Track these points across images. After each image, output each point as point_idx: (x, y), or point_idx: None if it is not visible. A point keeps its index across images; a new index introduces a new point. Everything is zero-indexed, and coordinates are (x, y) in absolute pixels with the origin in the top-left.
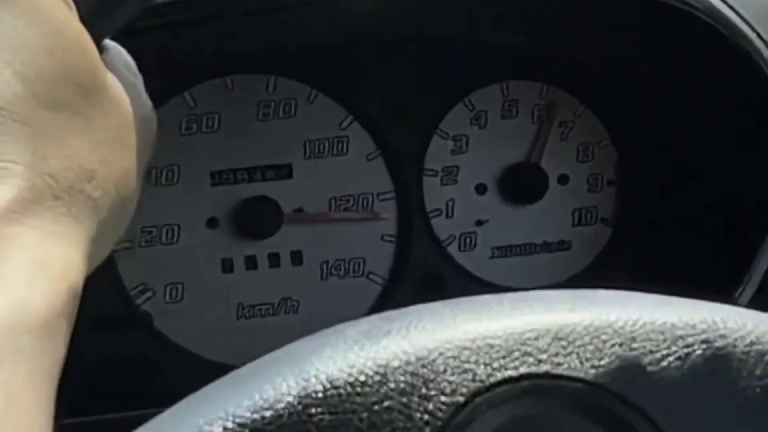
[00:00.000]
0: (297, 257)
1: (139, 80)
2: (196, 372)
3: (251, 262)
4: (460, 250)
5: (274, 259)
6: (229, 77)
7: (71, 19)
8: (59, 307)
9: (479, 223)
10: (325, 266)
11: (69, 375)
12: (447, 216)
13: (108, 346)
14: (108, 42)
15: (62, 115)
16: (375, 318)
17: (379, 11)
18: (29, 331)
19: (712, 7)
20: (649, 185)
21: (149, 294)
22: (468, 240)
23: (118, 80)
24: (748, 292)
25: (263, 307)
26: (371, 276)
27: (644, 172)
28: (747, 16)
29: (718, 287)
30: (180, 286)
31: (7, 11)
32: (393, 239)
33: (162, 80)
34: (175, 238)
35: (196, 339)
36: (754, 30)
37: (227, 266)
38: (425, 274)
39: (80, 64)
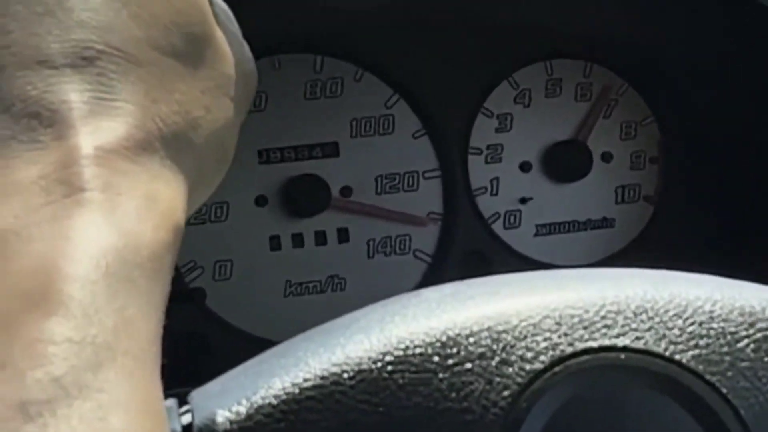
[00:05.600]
0: (344, 235)
1: (240, 34)
2: (245, 349)
3: (298, 240)
4: (504, 227)
5: (321, 237)
6: (277, 56)
7: None
8: (167, 243)
9: (523, 200)
10: (371, 244)
11: None
12: (492, 194)
13: None
14: None
15: (173, 60)
16: (459, 283)
17: None
18: (141, 264)
19: None
20: (691, 163)
21: (199, 271)
22: (512, 218)
23: (224, 32)
24: None
25: (310, 284)
26: (417, 253)
27: (687, 149)
28: None
29: (760, 267)
30: (229, 264)
31: None
32: (439, 217)
33: None
34: (223, 216)
35: (245, 316)
36: None
37: (275, 244)
38: (470, 251)
39: (193, 12)
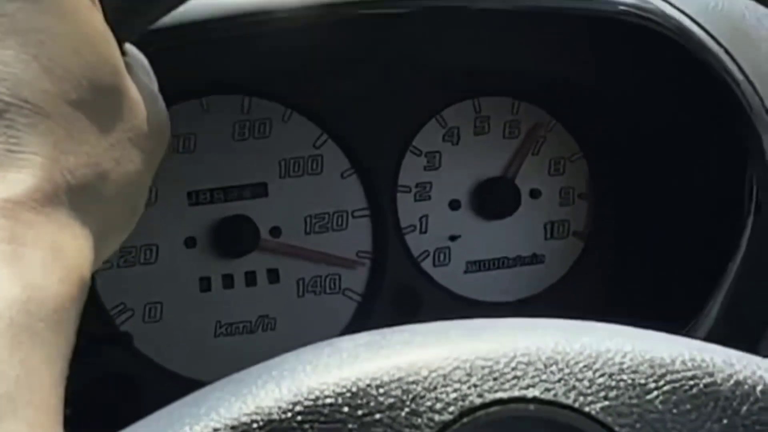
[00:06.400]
0: (273, 275)
1: (155, 86)
2: (176, 390)
3: (228, 281)
4: (434, 265)
5: (251, 277)
6: (205, 98)
7: (97, 18)
8: (72, 295)
9: (453, 238)
10: (301, 283)
11: None
12: (421, 231)
13: (87, 367)
14: (128, 46)
15: (84, 113)
16: (373, 333)
17: (351, 33)
18: (46, 316)
19: (679, 24)
20: (620, 198)
21: (129, 314)
22: (442, 255)
23: (136, 84)
24: (713, 312)
25: (241, 324)
26: (347, 292)
27: (615, 185)
28: (714, 32)
29: (687, 302)
30: (159, 306)
31: (34, 5)
32: (368, 255)
33: None
34: (153, 258)
35: (176, 357)
36: (721, 46)
37: (205, 285)
38: (400, 289)
39: (104, 65)
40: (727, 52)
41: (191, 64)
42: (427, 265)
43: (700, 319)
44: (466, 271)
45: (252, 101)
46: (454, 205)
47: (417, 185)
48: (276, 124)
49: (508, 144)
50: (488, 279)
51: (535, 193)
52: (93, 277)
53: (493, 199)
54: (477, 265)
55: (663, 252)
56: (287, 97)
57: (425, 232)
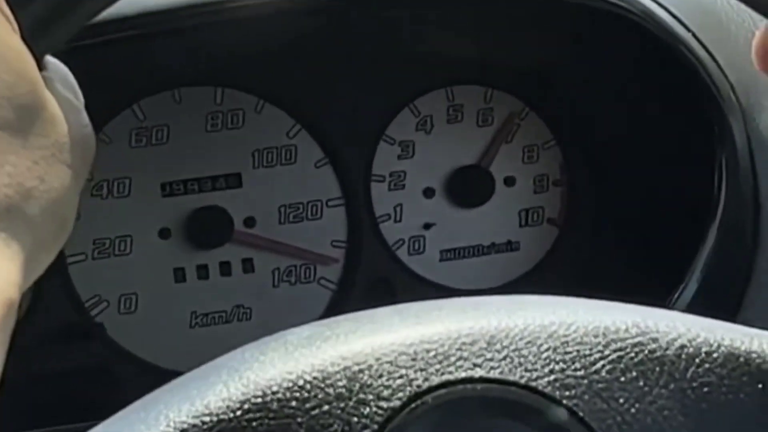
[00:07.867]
0: (248, 265)
1: (79, 99)
2: (152, 381)
3: (203, 271)
4: (409, 253)
5: (226, 268)
6: (177, 90)
7: (12, 36)
8: None
9: (427, 226)
10: (276, 273)
11: (21, 386)
12: (395, 220)
13: (64, 358)
14: (49, 59)
15: (2, 132)
16: (316, 324)
17: (322, 21)
18: None
19: (647, 11)
20: (594, 185)
21: (104, 305)
22: (417, 243)
23: (57, 99)
24: (689, 292)
25: (216, 315)
26: (322, 282)
27: (589, 171)
28: (684, 18)
29: (662, 286)
30: (134, 297)
31: None
32: (343, 245)
33: (111, 94)
34: (127, 250)
35: (151, 348)
36: (690, 32)
37: (180, 276)
38: (375, 278)
39: (20, 84)
40: (696, 37)
41: (163, 56)
42: (402, 253)
43: (675, 306)
44: (441, 259)
45: (224, 92)
46: (429, 193)
47: (391, 174)
48: (249, 115)
49: (481, 132)
50: (463, 267)
51: (509, 181)
52: (67, 270)
53: (468, 187)
54: (452, 253)
55: (638, 238)
56: (260, 88)
57: (400, 220)
